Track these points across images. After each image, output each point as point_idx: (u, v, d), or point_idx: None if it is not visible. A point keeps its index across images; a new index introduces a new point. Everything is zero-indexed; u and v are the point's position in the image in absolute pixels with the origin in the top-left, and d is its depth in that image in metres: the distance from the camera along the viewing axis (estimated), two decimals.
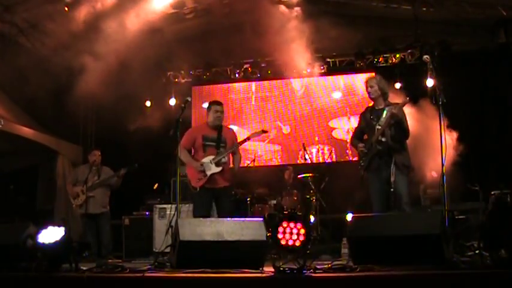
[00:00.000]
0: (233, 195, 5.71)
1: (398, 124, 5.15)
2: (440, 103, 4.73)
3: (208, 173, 5.61)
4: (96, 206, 7.31)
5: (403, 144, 5.27)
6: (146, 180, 8.48)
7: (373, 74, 7.55)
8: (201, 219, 4.53)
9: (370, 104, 5.52)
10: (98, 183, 7.39)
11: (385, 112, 5.24)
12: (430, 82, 8.26)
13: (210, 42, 9.94)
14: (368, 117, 5.45)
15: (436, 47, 8.85)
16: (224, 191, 5.70)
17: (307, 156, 8.80)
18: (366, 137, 5.50)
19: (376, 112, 5.38)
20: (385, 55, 9.54)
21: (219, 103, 5.86)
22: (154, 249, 7.21)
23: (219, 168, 5.61)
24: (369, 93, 5.44)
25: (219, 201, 5.69)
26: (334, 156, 9.96)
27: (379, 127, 5.23)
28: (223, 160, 5.65)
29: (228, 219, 4.33)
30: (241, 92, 10.67)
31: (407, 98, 5.21)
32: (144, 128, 9.45)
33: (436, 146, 4.86)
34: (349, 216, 7.34)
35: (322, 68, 9.77)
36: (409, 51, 9.27)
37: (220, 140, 5.70)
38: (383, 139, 5.21)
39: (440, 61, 8.28)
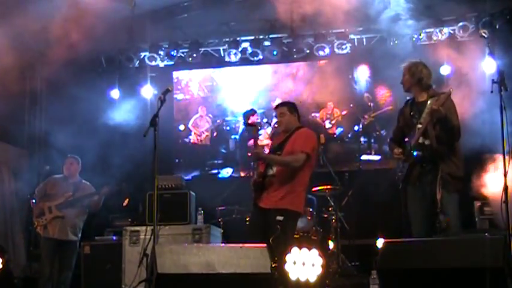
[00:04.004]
0: (279, 223, 5.39)
1: (444, 121, 5.11)
2: (502, 92, 4.71)
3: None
4: (63, 230, 7.29)
5: (452, 147, 5.23)
6: (114, 195, 8.47)
7: None
8: (186, 245, 4.53)
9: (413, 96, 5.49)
10: (71, 202, 7.39)
11: (428, 105, 5.22)
12: (488, 64, 8.29)
13: (197, 14, 9.96)
14: (408, 113, 5.42)
15: (498, 19, 8.83)
16: (268, 214, 5.55)
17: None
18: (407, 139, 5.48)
19: (417, 106, 5.34)
20: (427, 30, 9.52)
21: (275, 106, 6.07)
22: (123, 286, 7.20)
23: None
24: (402, 84, 5.48)
25: (266, 227, 5.58)
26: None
27: (420, 125, 5.21)
28: (270, 172, 5.69)
29: (222, 245, 4.33)
30: (238, 79, 10.68)
31: (450, 88, 5.17)
32: (110, 126, 9.47)
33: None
34: (380, 242, 7.35)
35: (344, 47, 9.78)
36: (460, 24, 9.26)
37: (280, 146, 5.79)
38: (426, 142, 5.18)
39: (503, 37, 8.30)
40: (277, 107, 6.00)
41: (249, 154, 5.91)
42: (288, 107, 5.93)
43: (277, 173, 5.62)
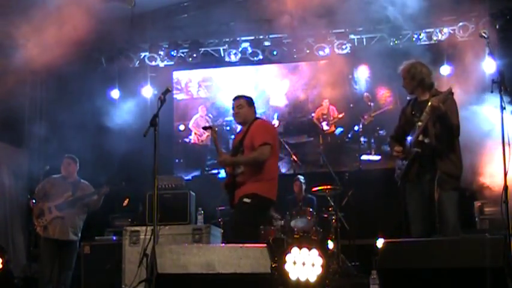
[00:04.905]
0: (244, 205, 5.49)
1: (443, 119, 5.11)
2: (502, 92, 4.71)
3: None
4: (64, 230, 7.29)
5: (451, 145, 5.22)
6: (114, 195, 8.48)
7: None
8: (186, 245, 4.53)
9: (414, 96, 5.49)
10: (70, 201, 7.38)
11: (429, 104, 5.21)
12: (488, 65, 8.28)
13: (197, 14, 9.95)
14: (409, 112, 5.41)
15: (498, 19, 8.82)
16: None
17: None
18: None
19: (419, 105, 5.34)
20: (427, 30, 9.53)
21: (234, 98, 6.09)
22: (123, 286, 7.20)
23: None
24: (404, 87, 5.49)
25: None
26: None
27: (421, 123, 5.21)
28: (238, 171, 5.72)
29: (222, 245, 4.33)
30: (238, 79, 10.68)
31: (450, 87, 5.17)
32: (110, 126, 9.46)
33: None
34: (380, 242, 7.35)
35: (344, 47, 9.77)
36: (460, 24, 9.26)
37: (240, 142, 5.83)
38: (426, 140, 5.17)
39: (504, 37, 8.28)
40: (235, 98, 6.03)
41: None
42: (246, 100, 6.00)
43: (246, 169, 5.66)
